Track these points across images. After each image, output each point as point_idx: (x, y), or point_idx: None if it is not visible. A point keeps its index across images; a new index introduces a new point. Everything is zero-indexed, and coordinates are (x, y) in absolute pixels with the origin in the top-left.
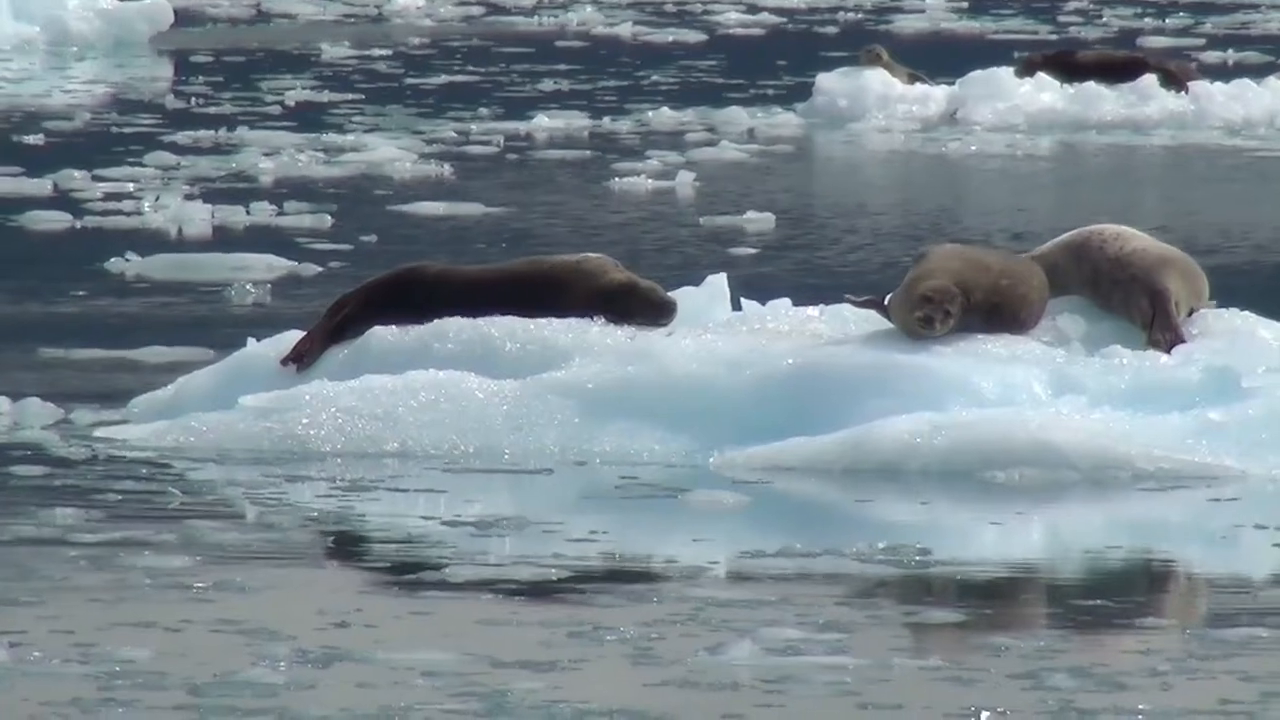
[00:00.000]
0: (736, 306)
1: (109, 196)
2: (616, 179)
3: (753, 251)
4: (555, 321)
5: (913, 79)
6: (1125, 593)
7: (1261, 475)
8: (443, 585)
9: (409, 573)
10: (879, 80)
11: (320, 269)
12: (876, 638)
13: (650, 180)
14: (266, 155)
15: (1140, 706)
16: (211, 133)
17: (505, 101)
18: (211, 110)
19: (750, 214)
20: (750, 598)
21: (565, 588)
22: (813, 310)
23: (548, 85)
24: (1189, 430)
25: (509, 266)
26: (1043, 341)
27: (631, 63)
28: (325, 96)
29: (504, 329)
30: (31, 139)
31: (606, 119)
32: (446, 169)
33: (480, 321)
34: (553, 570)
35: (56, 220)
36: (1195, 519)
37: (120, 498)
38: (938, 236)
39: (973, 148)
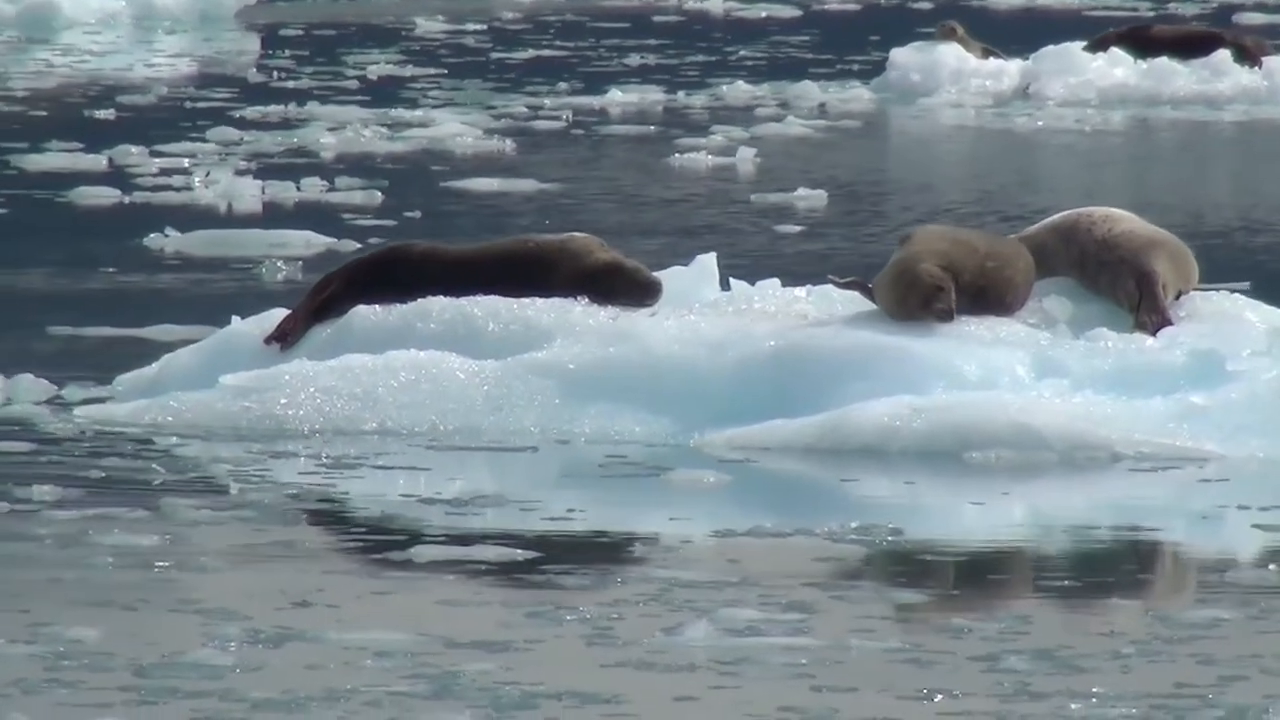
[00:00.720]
0: (726, 287)
1: (164, 172)
2: (677, 155)
3: (799, 229)
4: (538, 301)
5: (987, 54)
6: (1095, 574)
7: (1243, 459)
8: (408, 565)
9: (376, 552)
10: (953, 55)
11: (359, 245)
12: (839, 619)
13: (710, 156)
14: (331, 130)
15: (1094, 689)
16: (281, 107)
17: (588, 76)
18: (289, 85)
19: (802, 191)
20: (715, 578)
21: (531, 568)
22: (800, 291)
23: (634, 60)
24: (1171, 414)
25: (494, 246)
26: (1028, 324)
27: (723, 38)
28: (408, 71)
29: (487, 309)
30: (102, 114)
31: (681, 94)
32: (509, 144)
33: (463, 301)
34: (519, 551)
35: (104, 196)
36: (1172, 501)
37: (95, 475)
38: (992, 213)
39: (1039, 123)
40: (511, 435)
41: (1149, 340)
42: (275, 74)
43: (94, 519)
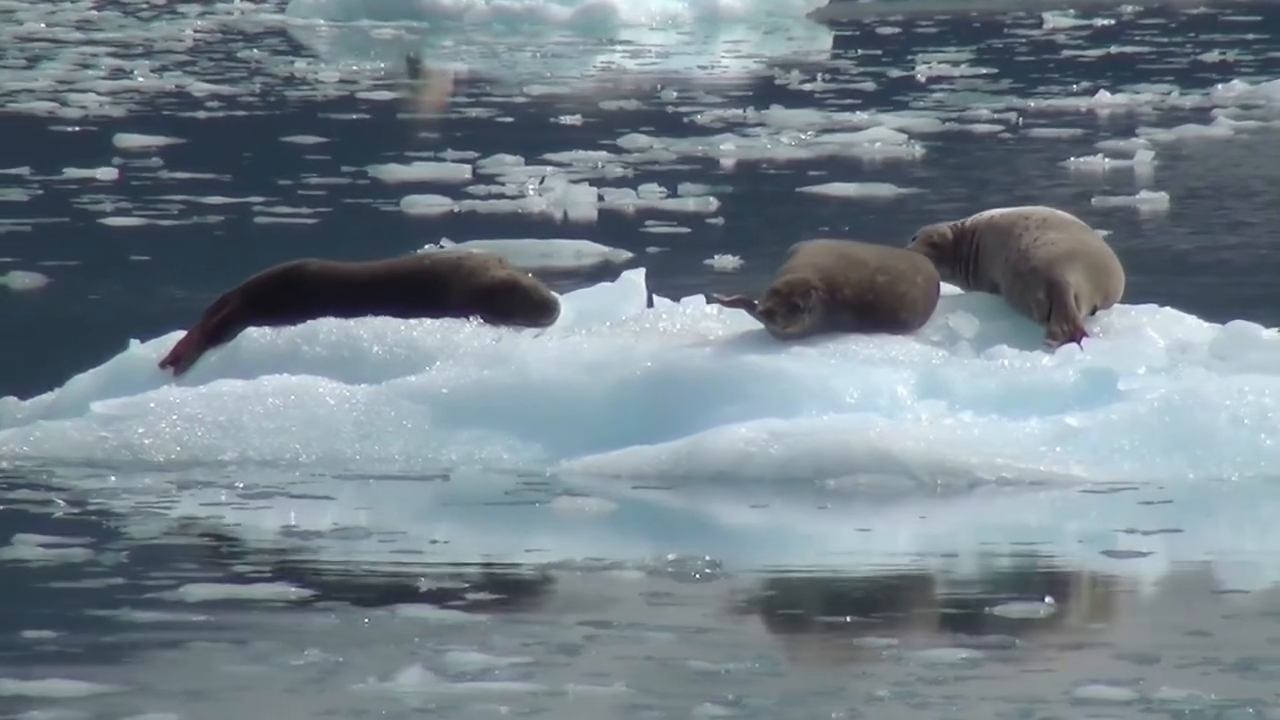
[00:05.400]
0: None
1: (533, 180)
2: (1072, 159)
3: (1104, 233)
4: (427, 322)
5: None
6: (886, 610)
7: (1110, 483)
8: (176, 606)
9: (155, 591)
10: None
11: (630, 254)
12: (582, 661)
13: (1108, 160)
14: (746, 137)
15: None
16: (739, 112)
17: (1131, 74)
18: (807, 88)
19: (1144, 194)
20: (478, 619)
21: (292, 607)
22: (711, 309)
23: (1210, 57)
24: (1044, 436)
25: (391, 264)
26: (930, 341)
27: None
28: (959, 70)
29: (373, 331)
30: (568, 119)
31: (1174, 93)
32: (917, 149)
33: (351, 323)
34: (294, 589)
35: (433, 204)
36: (1006, 532)
37: None
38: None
39: None
40: (376, 463)
41: (1046, 359)
42: (819, 75)
43: None
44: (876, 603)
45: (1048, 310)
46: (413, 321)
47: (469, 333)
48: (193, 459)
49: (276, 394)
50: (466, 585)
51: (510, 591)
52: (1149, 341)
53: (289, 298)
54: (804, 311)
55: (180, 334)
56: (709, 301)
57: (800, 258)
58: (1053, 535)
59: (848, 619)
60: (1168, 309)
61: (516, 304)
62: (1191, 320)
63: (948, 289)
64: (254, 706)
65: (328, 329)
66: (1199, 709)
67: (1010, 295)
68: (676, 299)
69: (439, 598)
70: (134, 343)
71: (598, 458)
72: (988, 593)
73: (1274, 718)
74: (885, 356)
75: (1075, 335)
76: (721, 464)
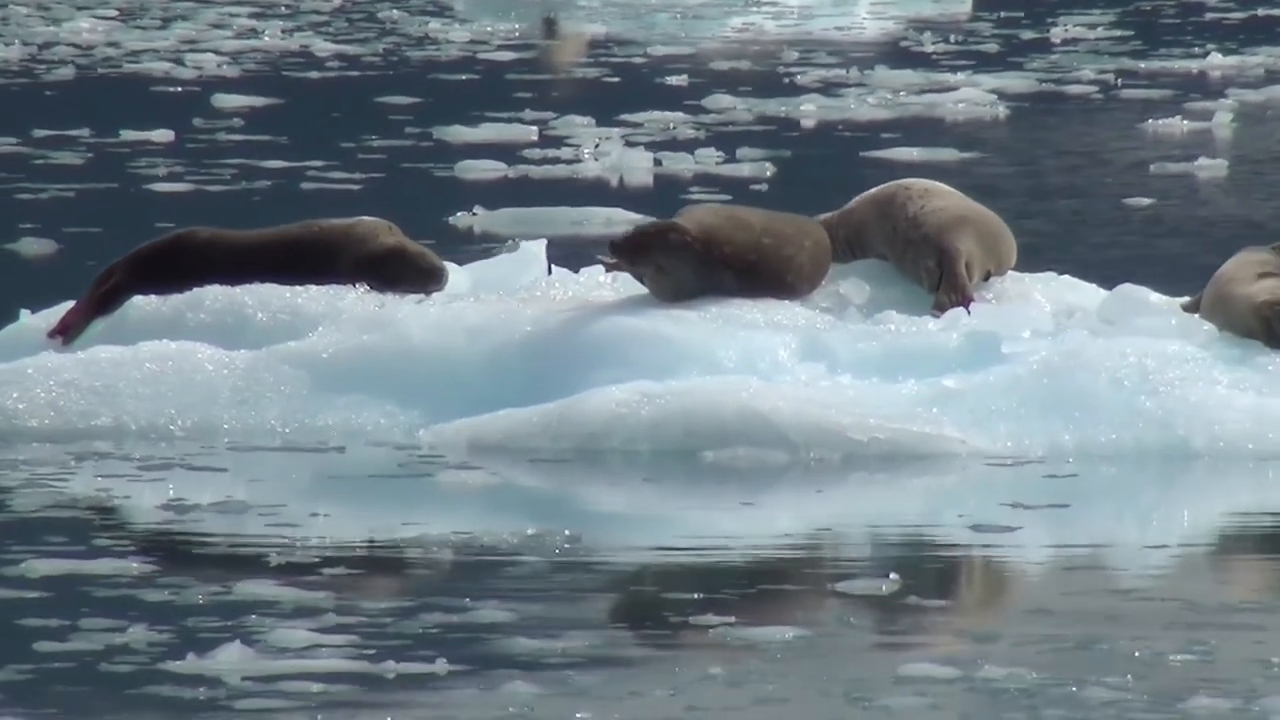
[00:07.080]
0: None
1: (601, 143)
2: (1150, 120)
3: (1147, 202)
4: (312, 289)
5: None
6: (733, 587)
7: (984, 448)
8: (17, 582)
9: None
10: None
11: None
12: (413, 639)
13: (1187, 122)
14: (832, 98)
15: (578, 716)
16: (843, 73)
17: (1266, 38)
18: (928, 49)
19: (1202, 160)
20: (317, 595)
21: (133, 583)
22: (605, 277)
23: None
24: (920, 398)
25: (280, 231)
26: (818, 307)
27: None
28: (1095, 32)
29: (258, 297)
30: (673, 80)
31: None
32: (1001, 111)
33: (236, 290)
34: (136, 563)
35: (487, 169)
36: (893, 505)
37: None
38: None
39: None
40: (251, 430)
41: (930, 323)
42: (951, 36)
43: None
44: (726, 580)
45: (938, 279)
46: (298, 288)
47: (353, 299)
48: (68, 424)
49: (154, 359)
50: (317, 560)
51: (360, 568)
52: (1035, 306)
53: (176, 266)
54: (653, 251)
55: (70, 304)
56: (607, 270)
57: (684, 217)
58: (932, 510)
59: (696, 596)
60: (1066, 276)
61: (404, 271)
62: (1089, 287)
63: None
64: (67, 684)
65: (213, 296)
66: (1023, 687)
67: (901, 263)
68: (576, 269)
69: (284, 573)
70: (24, 313)
71: (470, 421)
72: (840, 570)
73: (1091, 695)
74: (768, 320)
75: (964, 303)
76: (593, 425)
